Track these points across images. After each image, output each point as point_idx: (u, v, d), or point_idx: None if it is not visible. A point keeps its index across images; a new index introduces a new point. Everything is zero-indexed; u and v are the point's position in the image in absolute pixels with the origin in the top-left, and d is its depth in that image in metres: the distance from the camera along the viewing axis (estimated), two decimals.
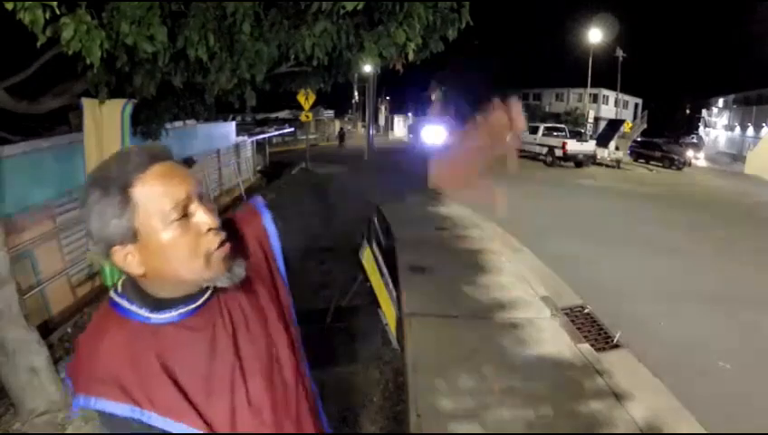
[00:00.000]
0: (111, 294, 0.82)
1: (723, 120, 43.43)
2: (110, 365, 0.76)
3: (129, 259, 0.74)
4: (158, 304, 0.79)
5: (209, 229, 0.75)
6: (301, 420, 0.91)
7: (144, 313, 0.78)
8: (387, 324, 3.51)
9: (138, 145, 0.78)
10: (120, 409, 0.75)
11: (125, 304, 0.79)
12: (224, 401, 0.81)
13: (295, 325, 0.97)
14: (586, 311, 4.57)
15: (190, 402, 0.78)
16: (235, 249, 0.80)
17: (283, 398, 0.88)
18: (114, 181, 0.71)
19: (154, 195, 0.72)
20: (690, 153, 27.81)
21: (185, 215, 0.73)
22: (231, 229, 0.87)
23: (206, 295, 0.81)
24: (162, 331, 0.78)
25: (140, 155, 0.73)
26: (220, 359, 0.82)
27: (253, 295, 0.88)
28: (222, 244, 0.76)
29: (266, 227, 0.95)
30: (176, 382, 0.78)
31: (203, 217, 0.74)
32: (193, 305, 0.80)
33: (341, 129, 28.29)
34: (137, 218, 0.72)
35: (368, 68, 3.55)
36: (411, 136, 27.07)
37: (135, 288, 0.79)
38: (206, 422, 0.79)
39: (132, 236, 0.72)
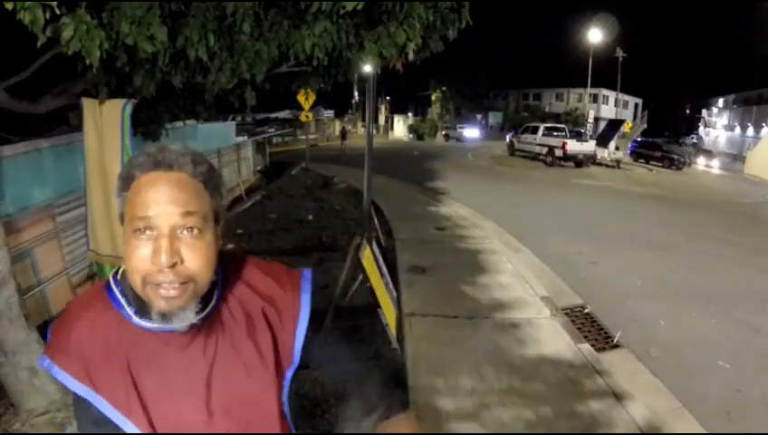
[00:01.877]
0: (111, 277, 0.83)
1: (723, 120, 43.43)
2: (81, 343, 0.78)
3: (113, 238, 0.78)
4: (144, 311, 0.77)
5: (158, 262, 0.70)
6: None
7: (129, 310, 0.78)
8: (387, 324, 3.51)
9: (159, 147, 0.77)
10: (75, 386, 0.78)
11: (117, 294, 0.80)
12: (176, 415, 0.80)
13: (286, 401, 0.91)
14: (586, 311, 4.57)
15: (143, 407, 0.78)
16: (194, 310, 0.76)
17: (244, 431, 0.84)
18: (126, 168, 0.76)
19: (136, 198, 0.72)
20: (701, 159, 27.13)
21: (148, 230, 0.71)
22: (256, 279, 0.88)
23: (189, 324, 0.77)
24: (140, 334, 0.78)
25: (148, 158, 0.74)
26: (187, 382, 0.80)
27: (247, 346, 0.84)
28: (171, 286, 0.71)
29: (302, 304, 0.92)
30: (135, 385, 0.78)
31: (157, 249, 0.70)
32: (177, 325, 0.76)
33: (344, 128, 28.58)
34: (124, 208, 0.74)
35: (368, 68, 3.54)
36: (461, 132, 36.25)
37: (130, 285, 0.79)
38: (152, 428, 0.78)
39: (121, 219, 0.75)
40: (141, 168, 0.73)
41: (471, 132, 36.96)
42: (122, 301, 0.79)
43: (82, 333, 0.79)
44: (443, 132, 38.11)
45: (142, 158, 0.74)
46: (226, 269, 0.86)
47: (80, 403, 0.81)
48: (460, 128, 38.04)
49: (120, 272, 0.83)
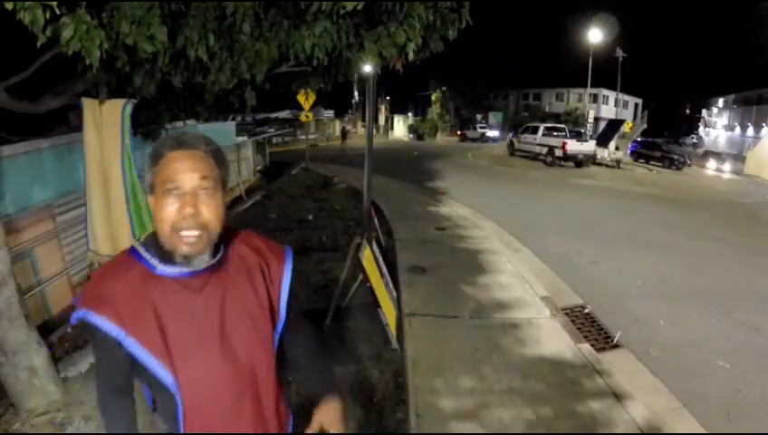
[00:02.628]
0: (134, 242, 1.04)
1: (723, 120, 43.44)
2: (112, 292, 0.97)
3: (150, 206, 1.00)
4: (166, 258, 0.99)
5: (183, 215, 0.94)
6: (261, 401, 1.09)
7: (153, 262, 1.00)
8: (387, 324, 3.51)
9: (180, 132, 1.03)
10: (109, 327, 0.95)
11: (141, 250, 1.02)
12: (195, 356, 0.99)
13: (275, 345, 1.13)
14: (586, 311, 4.57)
15: (167, 347, 0.97)
16: (209, 253, 1.01)
17: (250, 376, 1.05)
18: (155, 149, 1.00)
19: (164, 168, 0.97)
20: (713, 162, 25.40)
21: (175, 192, 0.95)
22: (250, 243, 1.13)
23: (206, 265, 1.01)
24: (163, 281, 0.98)
25: (174, 140, 1.00)
26: (204, 321, 1.00)
27: (250, 294, 1.07)
28: (192, 232, 0.95)
29: (285, 269, 1.15)
30: (161, 327, 0.97)
31: (185, 202, 0.95)
32: (193, 269, 1.00)
33: (344, 127, 28.68)
34: (154, 178, 0.98)
35: (368, 68, 3.54)
36: (483, 132, 35.72)
37: (153, 240, 1.01)
38: (173, 366, 0.97)
39: (150, 189, 1.00)
40: (168, 147, 0.98)
41: (493, 132, 36.72)
42: (146, 256, 1.00)
43: (113, 286, 0.97)
44: (458, 132, 37.50)
45: (168, 141, 1.00)
46: (232, 236, 1.11)
47: (103, 344, 0.97)
48: (481, 127, 37.28)
49: (141, 238, 1.06)
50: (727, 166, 24.87)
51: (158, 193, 0.97)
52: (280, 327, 1.13)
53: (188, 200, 0.95)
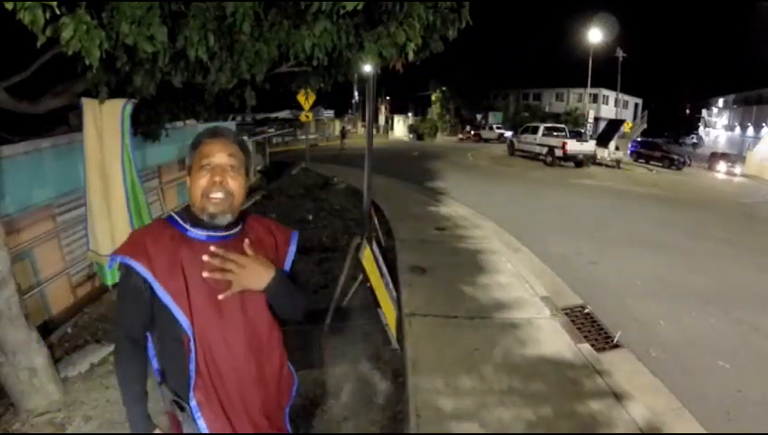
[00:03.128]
0: (171, 212, 1.26)
1: (723, 120, 43.46)
2: (147, 244, 1.16)
3: (188, 183, 1.23)
4: (196, 223, 1.20)
5: (214, 182, 1.18)
6: (266, 358, 1.27)
7: (186, 226, 1.21)
8: (387, 324, 3.51)
9: (215, 126, 1.27)
10: (142, 270, 1.14)
11: (176, 217, 1.23)
12: (211, 306, 1.16)
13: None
14: (586, 311, 4.57)
15: (188, 296, 1.15)
16: (229, 215, 1.21)
17: (257, 332, 1.24)
18: (196, 139, 1.25)
19: (202, 151, 1.21)
20: (723, 165, 22.94)
21: (208, 166, 1.19)
22: (263, 224, 1.35)
23: (230, 232, 1.23)
24: (192, 242, 1.19)
25: (210, 131, 1.24)
26: (224, 280, 1.16)
27: (259, 253, 1.25)
28: (218, 196, 1.17)
29: (290, 248, 1.37)
30: (185, 279, 1.15)
31: (216, 174, 1.18)
32: (219, 234, 1.21)
33: (343, 127, 28.77)
34: (193, 160, 1.22)
35: (368, 68, 3.54)
36: (500, 133, 33.41)
37: (186, 209, 1.24)
38: (191, 313, 1.14)
39: (189, 170, 1.23)
40: (205, 136, 1.23)
41: (509, 133, 35.65)
42: (179, 220, 1.22)
43: (149, 240, 1.17)
44: (471, 132, 35.90)
45: (205, 131, 1.24)
46: (250, 217, 1.33)
47: (130, 282, 1.17)
48: (497, 127, 35.38)
49: (178, 208, 1.29)
50: (738, 168, 22.44)
51: (195, 170, 1.19)
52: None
53: (218, 171, 1.18)
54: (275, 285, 1.19)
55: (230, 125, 11.00)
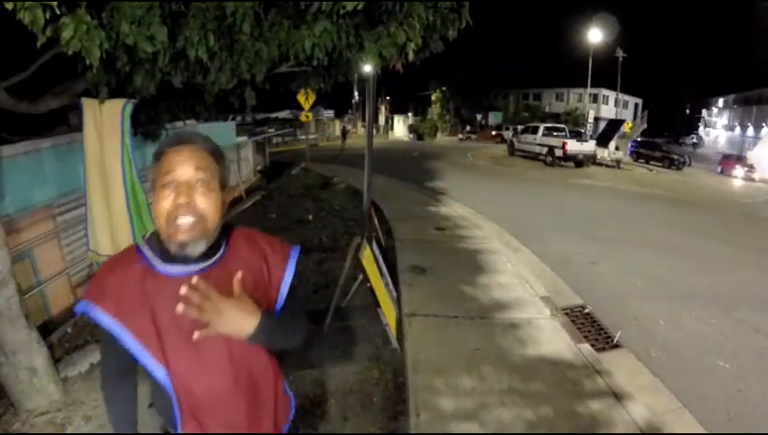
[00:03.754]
0: (139, 239, 1.07)
1: (723, 120, 43.46)
2: (113, 287, 1.01)
3: (152, 203, 1.02)
4: (167, 258, 1.02)
5: (177, 203, 0.97)
6: (259, 395, 1.12)
7: (155, 261, 1.03)
8: (387, 324, 3.51)
9: (181, 130, 1.07)
10: (106, 321, 1.00)
11: (145, 249, 1.05)
12: (188, 352, 1.01)
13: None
14: (586, 311, 4.57)
15: (159, 339, 1.00)
16: (204, 242, 1.01)
17: (246, 372, 1.08)
18: (158, 148, 1.04)
19: (163, 164, 1.01)
20: (739, 169, 20.84)
21: (171, 184, 0.98)
22: (252, 242, 1.14)
23: (207, 264, 1.04)
24: (162, 280, 1.01)
25: (175, 137, 1.04)
26: (199, 319, 0.97)
27: (250, 290, 1.04)
28: (186, 220, 0.97)
29: (288, 267, 1.16)
30: (156, 323, 1.00)
31: (180, 193, 0.98)
32: (193, 268, 1.02)
33: (344, 127, 28.84)
34: (155, 175, 1.02)
35: (368, 68, 3.54)
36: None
37: (157, 238, 1.04)
38: (166, 361, 1.01)
39: (152, 186, 1.02)
40: (169, 144, 1.03)
41: None
42: (148, 254, 1.04)
43: (114, 282, 1.02)
44: (493, 132, 32.60)
45: (170, 138, 1.04)
46: (235, 233, 1.13)
47: (107, 339, 1.04)
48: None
49: (149, 234, 1.09)
50: (757, 174, 20.44)
51: (156, 188, 1.00)
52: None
53: (183, 189, 0.98)
54: (259, 334, 0.98)
55: (230, 125, 11.00)
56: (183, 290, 0.90)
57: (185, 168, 0.99)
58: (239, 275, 0.98)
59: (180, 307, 0.90)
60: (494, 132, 33.93)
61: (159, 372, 1.01)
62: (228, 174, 1.09)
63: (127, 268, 1.03)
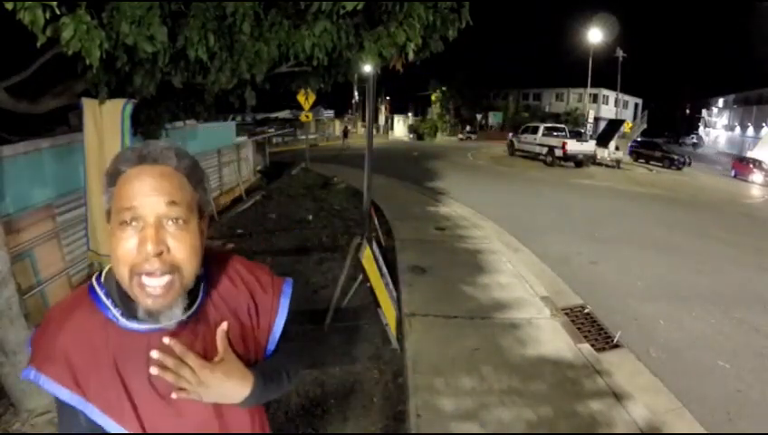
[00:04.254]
0: (93, 280, 0.83)
1: (723, 120, 43.48)
2: (67, 349, 0.77)
3: (109, 237, 0.76)
4: (130, 311, 0.79)
5: (143, 252, 0.72)
6: None
7: (116, 313, 0.79)
8: (387, 324, 3.51)
9: (145, 143, 0.79)
10: (64, 394, 0.77)
11: (102, 296, 0.81)
12: (169, 421, 0.81)
13: None
14: (586, 311, 4.57)
15: (134, 409, 0.79)
16: (181, 305, 0.79)
17: (236, 420, 0.89)
18: (112, 165, 0.77)
19: (121, 191, 0.74)
20: (758, 174, 18.53)
21: (135, 222, 0.73)
22: (236, 276, 0.91)
23: (180, 318, 0.80)
24: (126, 335, 0.79)
25: (134, 153, 0.76)
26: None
27: (235, 342, 0.86)
28: (157, 276, 0.73)
29: (281, 304, 0.95)
30: (125, 387, 0.78)
31: (143, 237, 0.72)
32: (164, 323, 0.79)
33: (345, 127, 29.03)
34: (110, 203, 0.76)
35: (368, 68, 3.54)
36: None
37: (117, 283, 0.79)
38: (143, 430, 0.80)
39: (108, 216, 0.77)
40: (128, 163, 0.75)
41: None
42: (107, 303, 0.80)
43: (67, 339, 0.78)
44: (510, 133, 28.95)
45: (128, 153, 0.77)
46: (212, 266, 0.89)
47: (65, 411, 0.80)
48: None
49: (103, 274, 0.84)
50: None
51: (114, 224, 0.74)
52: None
53: (150, 234, 0.72)
54: (251, 399, 0.83)
55: (230, 125, 11.00)
56: (154, 354, 0.72)
57: (152, 200, 0.73)
58: (224, 326, 0.79)
59: (154, 370, 0.73)
60: (510, 134, 29.95)
61: None
62: (208, 196, 0.85)
63: (82, 322, 0.79)
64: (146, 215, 0.73)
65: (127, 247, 0.73)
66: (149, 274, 0.73)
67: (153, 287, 0.73)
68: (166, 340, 0.73)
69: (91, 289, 0.82)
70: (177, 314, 0.78)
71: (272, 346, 0.94)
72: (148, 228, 0.72)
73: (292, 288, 0.98)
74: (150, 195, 0.73)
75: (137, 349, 0.78)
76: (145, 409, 0.79)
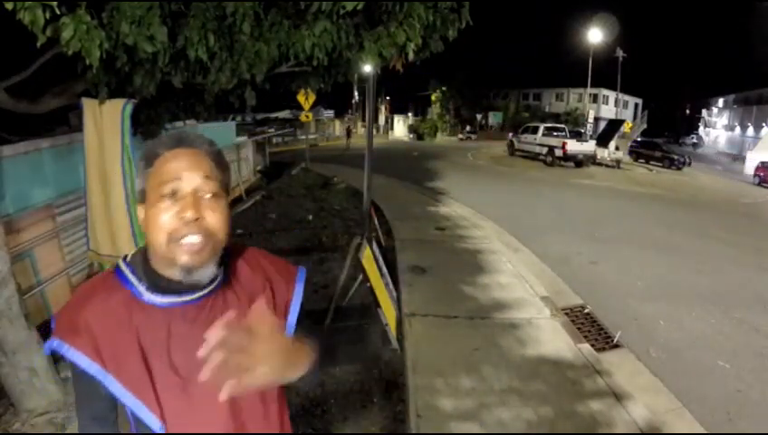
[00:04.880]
0: (119, 261, 0.90)
1: (723, 120, 43.47)
2: (91, 322, 0.82)
3: (141, 216, 0.86)
4: (155, 285, 0.85)
5: (183, 218, 0.80)
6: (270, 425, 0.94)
7: (141, 288, 0.86)
8: (387, 324, 3.51)
9: (178, 130, 0.88)
10: (86, 364, 0.82)
11: (127, 273, 0.87)
12: (186, 396, 0.84)
13: None
14: (586, 311, 4.57)
15: (152, 385, 0.83)
16: (215, 266, 0.86)
17: (250, 413, 0.91)
18: (149, 150, 0.86)
19: (161, 169, 0.83)
20: None
21: (174, 195, 0.81)
22: (252, 261, 0.98)
23: (202, 293, 0.86)
24: (150, 310, 0.84)
25: (171, 138, 0.87)
26: (198, 356, 0.78)
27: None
28: (194, 239, 0.81)
29: (295, 293, 1.01)
30: (146, 362, 0.83)
31: (185, 205, 0.81)
32: (186, 298, 0.85)
33: (349, 127, 29.18)
34: (148, 183, 0.85)
35: (368, 68, 3.54)
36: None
37: (143, 259, 0.87)
38: (161, 408, 0.83)
39: (143, 197, 0.86)
40: (165, 146, 0.85)
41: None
42: (132, 280, 0.86)
43: (92, 313, 0.83)
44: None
45: (165, 139, 0.87)
46: (231, 253, 0.95)
47: (83, 382, 0.85)
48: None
49: (128, 256, 0.91)
50: None
51: (153, 198, 0.83)
52: None
53: (190, 202, 0.81)
54: (307, 374, 0.84)
55: (230, 125, 11.00)
56: (212, 334, 0.67)
57: (192, 176, 0.83)
58: (262, 301, 0.77)
59: (203, 350, 0.67)
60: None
61: (154, 422, 0.83)
62: (230, 181, 0.93)
63: (106, 297, 0.85)
64: (185, 187, 0.82)
65: (166, 217, 0.81)
66: (188, 235, 0.81)
67: (191, 244, 0.81)
68: (219, 326, 0.67)
69: (117, 269, 0.88)
70: (210, 272, 0.85)
71: (289, 329, 0.98)
72: (188, 197, 0.82)
73: (305, 276, 1.04)
74: (189, 170, 0.83)
75: (158, 323, 0.84)
76: (162, 386, 0.84)
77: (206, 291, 0.87)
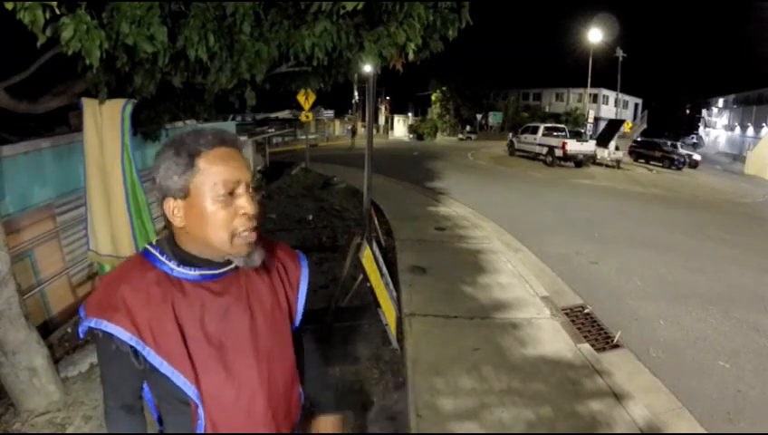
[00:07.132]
0: (147, 245, 0.96)
1: (723, 120, 43.47)
2: (126, 297, 0.88)
3: (175, 211, 0.89)
4: (185, 260, 0.92)
5: (245, 214, 0.89)
6: (286, 407, 1.06)
7: (171, 265, 0.92)
8: (387, 324, 3.51)
9: (213, 129, 0.93)
10: (126, 337, 0.86)
11: (156, 253, 0.93)
12: (220, 364, 0.92)
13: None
14: (586, 311, 4.57)
15: (189, 355, 0.89)
16: (261, 247, 0.95)
17: (275, 382, 1.00)
18: (186, 147, 0.88)
19: (212, 169, 0.87)
20: None
21: (230, 194, 0.88)
22: (268, 245, 1.06)
23: (229, 267, 0.95)
24: (182, 284, 0.91)
25: (213, 135, 0.90)
26: (232, 327, 0.94)
27: (271, 296, 1.03)
28: (250, 230, 0.90)
29: (302, 275, 1.16)
30: (182, 334, 0.89)
31: (244, 203, 0.89)
32: (216, 271, 0.94)
33: (353, 126, 29.20)
34: (192, 182, 0.87)
35: (368, 68, 3.54)
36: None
37: (169, 242, 0.94)
38: (196, 377, 0.90)
39: (184, 194, 0.88)
40: (208, 144, 0.89)
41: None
42: (162, 258, 0.92)
43: (128, 290, 0.88)
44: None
45: (204, 138, 0.90)
46: None
47: (114, 358, 0.90)
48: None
49: (155, 241, 0.98)
50: None
51: (205, 197, 0.87)
52: (293, 330, 1.12)
53: (248, 200, 0.90)
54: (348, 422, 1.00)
55: (230, 125, 11.00)
56: None
57: (245, 174, 0.90)
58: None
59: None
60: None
61: (190, 389, 0.89)
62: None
63: (140, 276, 0.90)
64: (242, 186, 0.89)
65: (227, 215, 0.88)
66: (246, 229, 0.89)
67: (251, 236, 0.90)
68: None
69: (146, 251, 0.95)
70: (261, 254, 0.94)
71: (300, 308, 1.14)
72: (245, 196, 0.89)
73: (306, 260, 1.19)
74: (240, 169, 0.90)
75: (191, 296, 0.91)
76: (197, 354, 0.90)
77: (232, 266, 0.95)
